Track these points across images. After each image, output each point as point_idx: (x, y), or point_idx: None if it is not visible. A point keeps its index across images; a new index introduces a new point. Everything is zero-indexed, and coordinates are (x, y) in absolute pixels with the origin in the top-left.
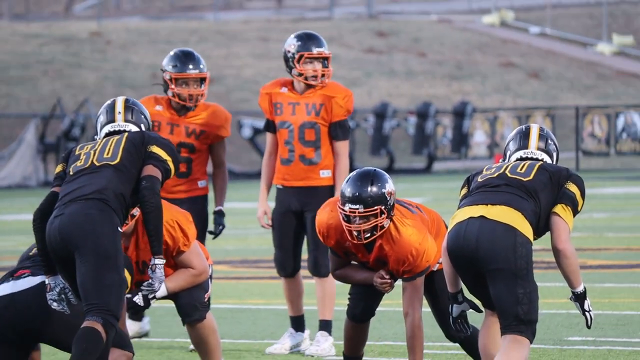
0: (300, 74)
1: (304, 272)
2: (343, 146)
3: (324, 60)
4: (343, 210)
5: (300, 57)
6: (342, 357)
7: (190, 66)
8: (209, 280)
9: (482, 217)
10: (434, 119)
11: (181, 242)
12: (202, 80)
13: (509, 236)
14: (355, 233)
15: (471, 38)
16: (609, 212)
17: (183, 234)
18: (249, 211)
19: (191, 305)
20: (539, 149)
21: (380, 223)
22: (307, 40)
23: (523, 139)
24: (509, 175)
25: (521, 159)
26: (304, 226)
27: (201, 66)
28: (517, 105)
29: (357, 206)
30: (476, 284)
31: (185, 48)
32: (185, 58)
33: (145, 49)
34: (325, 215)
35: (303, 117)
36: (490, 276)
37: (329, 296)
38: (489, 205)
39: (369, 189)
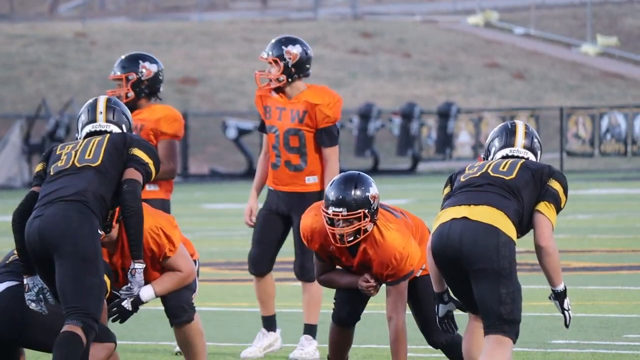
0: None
1: (288, 275)
2: (331, 152)
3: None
4: (327, 213)
5: None
6: None
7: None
8: (196, 277)
9: (465, 217)
10: (419, 120)
11: (167, 248)
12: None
13: (491, 236)
14: (338, 236)
15: (456, 39)
16: (592, 214)
17: (168, 239)
18: (233, 212)
19: (179, 307)
20: (524, 147)
21: (364, 227)
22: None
23: (509, 136)
24: (491, 174)
25: (506, 156)
26: (287, 229)
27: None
28: (501, 106)
29: (341, 209)
30: (460, 286)
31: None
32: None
33: (130, 49)
34: (309, 219)
35: (287, 124)
36: (473, 276)
37: (314, 300)
38: (471, 206)
39: (353, 192)
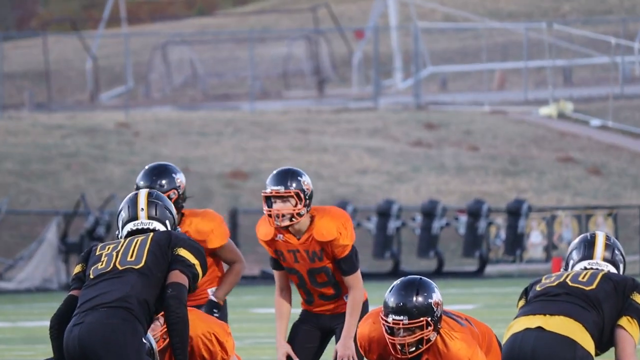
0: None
1: None
2: (353, 279)
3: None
4: (386, 321)
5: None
6: None
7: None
8: None
9: (539, 328)
10: (487, 218)
11: (219, 357)
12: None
13: (568, 350)
14: (399, 347)
15: (527, 131)
16: None
17: (221, 347)
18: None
19: None
20: (604, 259)
21: (427, 336)
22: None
23: (587, 248)
24: (569, 284)
25: (585, 269)
26: (325, 344)
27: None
28: (576, 204)
29: (402, 317)
30: None
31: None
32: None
33: (176, 140)
34: (367, 327)
35: (308, 265)
36: None
37: None
38: (547, 316)
39: (414, 298)
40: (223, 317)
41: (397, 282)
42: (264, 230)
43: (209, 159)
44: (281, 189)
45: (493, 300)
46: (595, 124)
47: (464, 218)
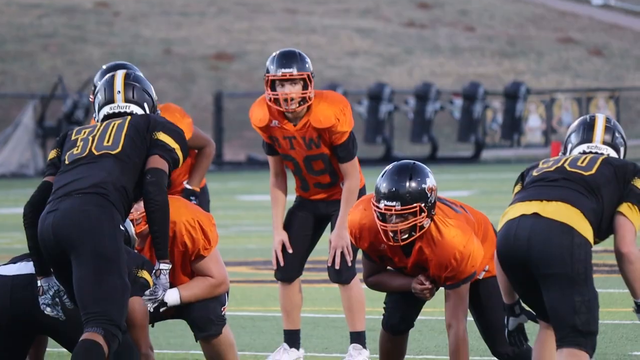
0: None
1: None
2: (349, 167)
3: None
4: (378, 208)
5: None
6: None
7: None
8: (226, 293)
9: (535, 214)
10: (483, 102)
11: (201, 245)
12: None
13: (565, 236)
14: (391, 234)
15: (525, 10)
16: None
17: (204, 236)
18: None
19: (205, 318)
20: (604, 142)
21: (420, 222)
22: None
23: (587, 131)
24: (568, 168)
25: (584, 153)
26: (321, 231)
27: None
28: (576, 87)
29: (394, 203)
30: (528, 291)
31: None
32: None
33: (157, 21)
34: (357, 214)
35: (304, 152)
36: (543, 282)
37: (357, 304)
38: (544, 202)
39: (407, 184)
40: (204, 203)
41: (389, 167)
42: (258, 115)
43: (192, 40)
44: (294, 71)
45: (489, 187)
46: (597, 3)
47: (459, 101)
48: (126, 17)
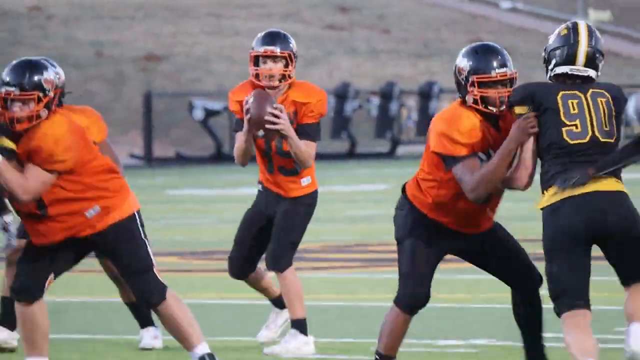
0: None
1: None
2: (308, 145)
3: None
4: (491, 78)
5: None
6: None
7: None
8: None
9: (596, 191)
10: (398, 100)
11: (44, 159)
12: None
13: (629, 202)
14: (499, 101)
15: (439, 14)
16: None
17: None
18: (200, 199)
19: (146, 291)
20: (587, 64)
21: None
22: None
23: (569, 51)
24: (600, 139)
25: (568, 76)
26: (269, 232)
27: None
28: None
29: (504, 69)
30: (580, 264)
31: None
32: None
33: (89, 25)
34: (471, 117)
35: None
36: (618, 247)
37: (294, 290)
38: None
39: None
40: None
41: (477, 45)
42: (240, 93)
43: (123, 43)
44: (276, 49)
45: (404, 181)
46: (505, 7)
47: (376, 100)
48: (59, 20)
